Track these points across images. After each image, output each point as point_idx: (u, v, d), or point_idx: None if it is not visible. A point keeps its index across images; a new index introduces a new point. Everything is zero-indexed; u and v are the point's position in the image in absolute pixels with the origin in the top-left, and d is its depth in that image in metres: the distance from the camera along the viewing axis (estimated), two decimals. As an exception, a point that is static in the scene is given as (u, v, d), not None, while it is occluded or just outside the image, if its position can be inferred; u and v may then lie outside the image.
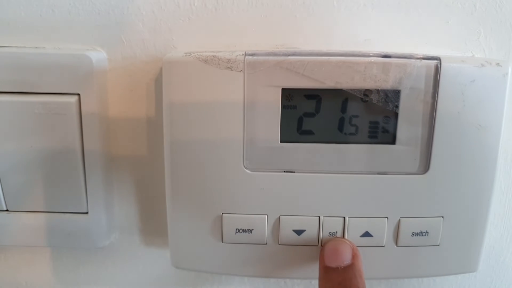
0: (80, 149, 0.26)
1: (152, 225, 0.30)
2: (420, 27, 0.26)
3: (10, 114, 0.26)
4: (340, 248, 0.24)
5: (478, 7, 0.26)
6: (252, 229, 0.25)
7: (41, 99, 0.25)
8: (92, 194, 0.27)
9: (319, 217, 0.25)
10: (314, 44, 0.26)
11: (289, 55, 0.23)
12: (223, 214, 0.25)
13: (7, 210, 0.28)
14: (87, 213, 0.28)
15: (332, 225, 0.25)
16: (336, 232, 0.25)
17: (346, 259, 0.23)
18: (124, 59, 0.27)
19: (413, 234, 0.25)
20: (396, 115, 0.24)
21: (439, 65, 0.23)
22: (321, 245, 0.25)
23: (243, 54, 0.23)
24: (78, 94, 0.26)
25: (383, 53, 0.23)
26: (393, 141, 0.24)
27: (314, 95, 0.24)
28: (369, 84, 0.23)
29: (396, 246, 0.26)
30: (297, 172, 0.25)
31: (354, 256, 0.24)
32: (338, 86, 0.23)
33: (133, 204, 0.30)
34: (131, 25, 0.26)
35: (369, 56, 0.23)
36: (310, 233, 0.25)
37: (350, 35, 0.26)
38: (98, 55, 0.26)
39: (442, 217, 0.25)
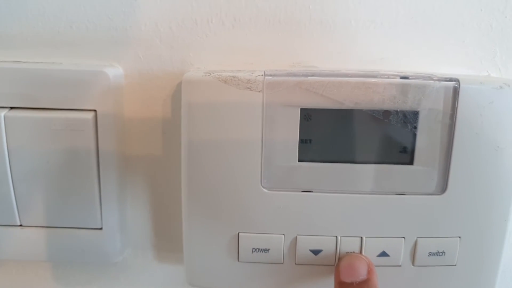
0: (95, 165, 0.26)
1: (166, 241, 0.30)
2: (436, 46, 0.26)
3: (28, 130, 0.26)
4: (356, 263, 0.24)
5: (494, 27, 0.26)
6: (269, 249, 0.25)
7: (58, 115, 0.25)
8: (107, 210, 0.27)
9: (336, 237, 0.25)
10: (330, 62, 0.26)
11: (308, 76, 0.23)
12: (239, 233, 0.25)
13: (21, 225, 0.28)
14: (101, 228, 0.28)
15: (349, 245, 0.25)
16: (353, 252, 0.25)
17: (361, 274, 0.23)
18: (140, 75, 0.27)
19: (430, 254, 0.25)
20: (414, 135, 0.24)
21: (457, 87, 0.23)
22: (337, 261, 0.25)
23: (262, 75, 0.23)
24: (95, 110, 0.26)
25: (401, 74, 0.23)
26: (411, 162, 0.24)
27: (333, 116, 0.24)
28: (388, 105, 0.23)
29: (413, 266, 0.26)
30: (315, 192, 0.25)
31: (370, 271, 0.24)
32: (357, 107, 0.23)
33: (147, 220, 0.30)
34: (148, 41, 0.26)
35: (388, 77, 0.23)
36: (327, 253, 0.25)
37: (366, 53, 0.26)
38: (115, 71, 0.26)
39: (459, 237, 0.25)
